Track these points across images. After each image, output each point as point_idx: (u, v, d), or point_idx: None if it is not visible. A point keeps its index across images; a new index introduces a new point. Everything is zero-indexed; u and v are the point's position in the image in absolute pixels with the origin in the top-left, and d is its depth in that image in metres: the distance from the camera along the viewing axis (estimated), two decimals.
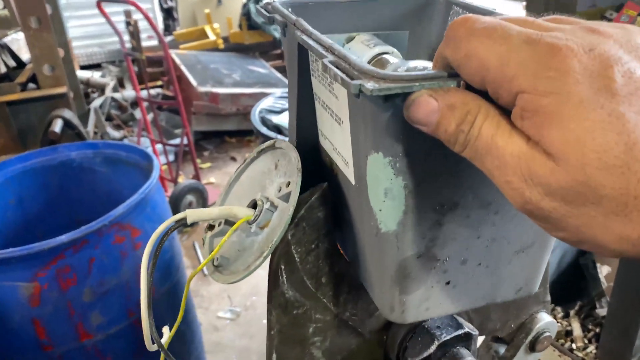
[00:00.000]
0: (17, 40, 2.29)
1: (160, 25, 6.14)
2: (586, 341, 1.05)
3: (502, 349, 0.61)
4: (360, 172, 0.40)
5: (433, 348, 0.46)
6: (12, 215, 2.02)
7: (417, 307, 0.42)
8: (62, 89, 2.07)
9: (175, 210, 3.30)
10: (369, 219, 0.40)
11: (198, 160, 4.14)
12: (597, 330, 1.07)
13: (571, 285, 0.86)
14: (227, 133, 4.83)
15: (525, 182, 0.30)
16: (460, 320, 0.49)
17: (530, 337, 0.60)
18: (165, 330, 0.59)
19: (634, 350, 0.92)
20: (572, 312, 1.13)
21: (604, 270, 1.29)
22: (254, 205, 0.53)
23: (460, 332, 0.47)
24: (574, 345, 1.05)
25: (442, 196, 0.37)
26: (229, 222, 0.58)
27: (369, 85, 0.31)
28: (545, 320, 0.59)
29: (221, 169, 4.41)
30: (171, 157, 4.19)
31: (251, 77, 4.96)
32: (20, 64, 2.26)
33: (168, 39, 5.55)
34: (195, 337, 2.02)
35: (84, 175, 2.10)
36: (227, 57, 5.42)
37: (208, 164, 4.46)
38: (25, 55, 2.29)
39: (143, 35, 4.31)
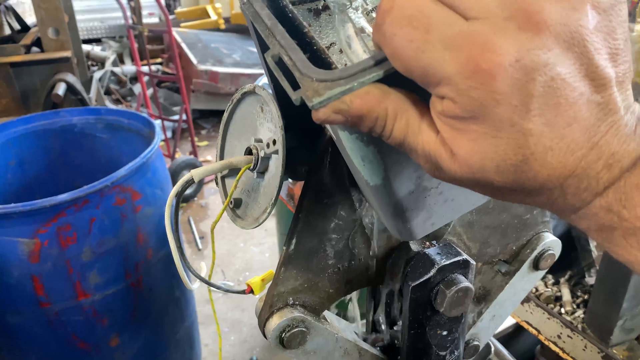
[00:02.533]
0: (23, 4, 2.28)
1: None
2: (574, 306, 1.08)
3: (504, 268, 0.64)
4: (339, 143, 0.42)
5: (432, 272, 0.49)
6: (12, 177, 2.03)
7: (423, 225, 0.45)
8: (66, 53, 2.07)
9: (174, 180, 3.31)
10: (358, 175, 0.42)
11: (195, 138, 4.15)
12: (586, 297, 1.11)
13: (562, 256, 0.89)
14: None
15: (435, 170, 0.34)
16: (459, 250, 0.51)
17: (535, 253, 0.62)
18: (202, 267, 0.62)
19: (620, 313, 0.96)
20: (562, 280, 1.17)
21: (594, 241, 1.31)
22: (249, 152, 0.55)
23: (458, 258, 0.50)
24: (562, 310, 1.08)
25: None
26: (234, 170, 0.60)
27: (310, 97, 0.32)
28: (550, 239, 0.62)
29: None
30: (169, 134, 4.19)
31: (251, 58, 4.95)
32: (25, 28, 2.25)
33: (169, 17, 5.53)
34: (190, 304, 2.05)
35: (84, 141, 2.12)
36: (227, 38, 5.41)
37: (205, 142, 4.47)
38: (29, 19, 2.28)
39: (144, 12, 4.30)
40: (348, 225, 0.51)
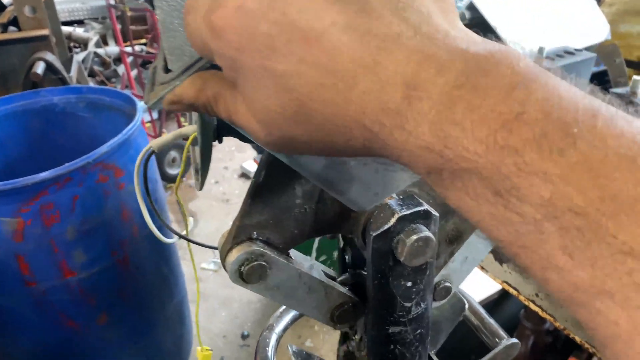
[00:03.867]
0: None
1: None
2: None
3: None
4: None
5: (393, 221, 0.49)
6: None
7: (364, 197, 0.44)
8: (43, 31, 2.04)
9: (160, 165, 3.29)
10: None
11: (182, 119, 4.12)
12: None
13: None
14: None
15: (258, 142, 0.34)
16: (421, 200, 0.51)
17: None
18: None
19: None
20: None
21: None
22: None
23: (419, 208, 0.50)
24: None
25: None
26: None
27: (150, 98, 0.39)
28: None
29: None
30: (155, 115, 4.15)
31: None
32: (1, 7, 2.21)
33: None
34: (179, 281, 2.05)
35: (66, 120, 2.09)
36: None
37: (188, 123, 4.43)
38: None
39: None
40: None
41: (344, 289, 0.59)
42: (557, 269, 0.24)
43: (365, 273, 0.61)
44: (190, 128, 0.59)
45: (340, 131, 0.29)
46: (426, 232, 0.50)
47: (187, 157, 0.73)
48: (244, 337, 2.38)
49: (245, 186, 3.61)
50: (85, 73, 3.92)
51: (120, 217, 1.64)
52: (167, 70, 0.41)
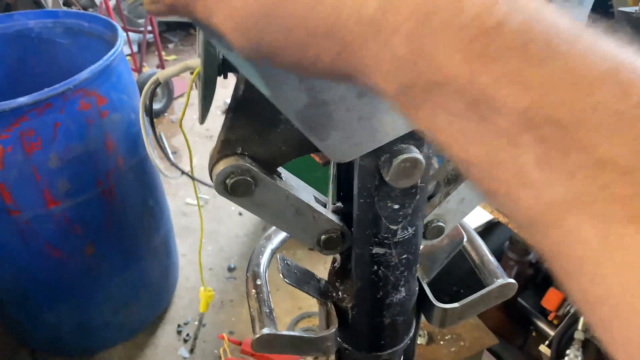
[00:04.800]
0: None
1: None
2: None
3: None
4: None
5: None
6: None
7: (344, 146, 0.43)
8: None
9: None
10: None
11: (163, 52, 3.99)
12: None
13: None
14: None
15: (232, 48, 0.33)
16: None
17: None
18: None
19: None
20: None
21: None
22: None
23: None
24: None
25: None
26: None
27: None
28: None
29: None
30: (135, 48, 4.01)
31: None
32: None
33: None
34: (164, 214, 2.04)
35: (43, 47, 2.00)
36: None
37: (173, 57, 4.31)
38: None
39: None
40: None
41: (332, 216, 0.58)
42: (531, 185, 0.23)
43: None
44: (196, 61, 0.56)
45: (311, 40, 0.28)
46: (415, 153, 0.48)
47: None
48: (230, 269, 2.41)
49: None
50: (61, 2, 3.74)
51: (105, 147, 1.60)
52: None
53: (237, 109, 0.49)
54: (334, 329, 0.63)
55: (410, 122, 0.28)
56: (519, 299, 1.73)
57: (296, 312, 2.20)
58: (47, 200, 1.54)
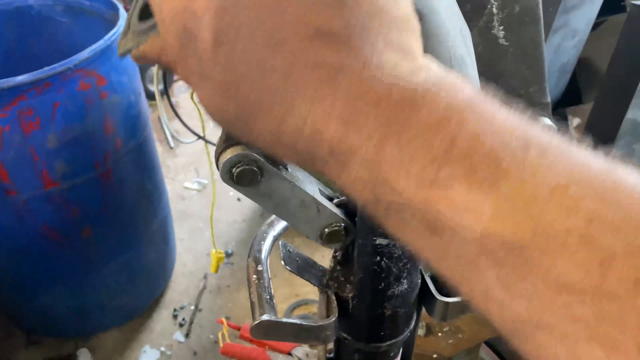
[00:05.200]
0: None
1: None
2: None
3: None
4: None
5: None
6: None
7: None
8: None
9: (142, 75, 3.18)
10: None
11: None
12: None
13: None
14: None
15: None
16: None
17: None
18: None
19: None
20: None
21: (574, 122, 1.31)
22: None
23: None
24: None
25: None
26: None
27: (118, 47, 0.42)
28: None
29: None
30: None
31: None
32: None
33: None
34: (162, 198, 2.03)
35: (43, 26, 1.97)
36: None
37: None
38: None
39: None
40: None
41: (337, 210, 0.57)
42: (497, 302, 0.24)
43: None
44: None
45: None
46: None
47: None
48: (227, 255, 2.40)
49: None
50: None
51: (104, 129, 1.58)
52: (141, 17, 0.40)
53: None
54: (333, 318, 0.62)
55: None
56: None
57: (293, 299, 2.20)
58: (45, 181, 1.52)
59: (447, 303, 0.67)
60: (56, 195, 1.56)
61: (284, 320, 0.59)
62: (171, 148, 3.11)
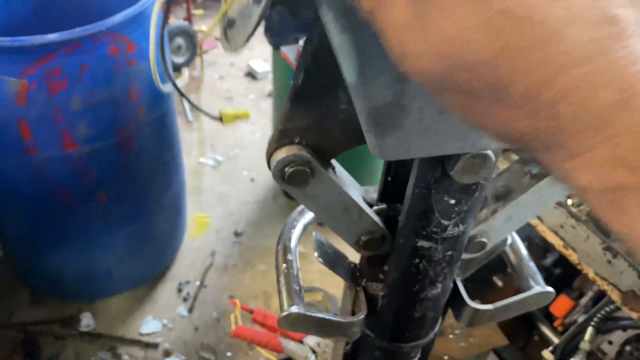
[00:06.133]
0: None
1: None
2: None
3: (536, 170, 0.59)
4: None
5: None
6: None
7: (395, 147, 0.42)
8: None
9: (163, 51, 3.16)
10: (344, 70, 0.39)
11: (191, 6, 3.92)
12: None
13: None
14: None
15: (401, 59, 0.29)
16: None
17: None
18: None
19: None
20: None
21: None
22: None
23: None
24: (569, 201, 1.07)
25: None
26: None
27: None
28: None
29: (213, 18, 4.20)
30: None
31: None
32: None
33: None
34: (179, 171, 2.02)
35: None
36: None
37: (200, 11, 4.23)
38: None
39: None
40: None
41: (377, 218, 0.57)
42: None
43: (399, 206, 0.59)
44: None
45: (522, 103, 0.25)
46: (487, 150, 0.45)
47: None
48: (237, 234, 2.39)
49: (250, 85, 3.50)
50: None
51: (128, 95, 1.57)
52: None
53: (296, 98, 0.47)
54: (362, 315, 0.61)
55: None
56: None
57: None
58: (66, 142, 1.51)
59: (477, 310, 0.66)
60: (75, 157, 1.56)
61: (314, 314, 0.58)
62: (189, 122, 3.10)
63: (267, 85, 3.48)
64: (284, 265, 0.62)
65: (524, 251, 0.71)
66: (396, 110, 0.39)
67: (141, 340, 1.93)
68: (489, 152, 0.45)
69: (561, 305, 1.62)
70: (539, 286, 0.66)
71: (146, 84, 1.62)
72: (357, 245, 0.58)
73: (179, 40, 3.41)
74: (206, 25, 4.08)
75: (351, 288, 0.65)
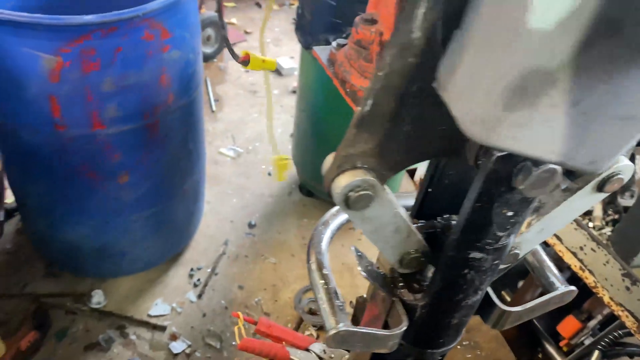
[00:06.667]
0: None
1: None
2: (604, 223, 1.07)
3: (567, 184, 0.60)
4: None
5: None
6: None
7: (506, 130, 0.39)
8: None
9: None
10: (511, 10, 0.34)
11: None
12: (616, 217, 1.10)
13: None
14: None
15: None
16: None
17: (604, 174, 0.56)
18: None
19: None
20: None
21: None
22: None
23: None
24: (590, 224, 1.07)
25: None
26: None
27: None
28: (623, 163, 0.57)
29: (244, 12, 4.23)
30: None
31: None
32: None
33: None
34: (200, 159, 2.05)
35: None
36: None
37: (232, 4, 4.27)
38: None
39: None
40: (432, 89, 0.45)
41: (422, 238, 0.58)
42: None
43: (438, 222, 0.61)
44: None
45: None
46: (554, 165, 0.45)
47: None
48: (250, 226, 2.42)
49: (275, 81, 3.52)
50: None
51: (159, 81, 1.59)
52: None
53: (361, 124, 0.48)
54: (404, 327, 0.62)
55: None
56: (533, 320, 1.70)
57: (306, 281, 2.21)
58: (94, 122, 1.54)
59: (505, 311, 0.67)
60: (102, 137, 1.59)
61: (360, 329, 0.58)
62: (213, 112, 3.12)
63: (292, 82, 3.50)
64: (322, 281, 0.63)
65: (544, 255, 0.72)
66: (554, 82, 0.35)
67: (149, 322, 1.96)
68: (558, 167, 0.46)
69: (568, 326, 1.61)
70: (563, 286, 0.68)
71: (177, 71, 1.64)
72: (399, 264, 0.59)
73: (209, 31, 3.45)
74: (236, 19, 4.11)
75: (386, 299, 0.65)
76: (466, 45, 0.39)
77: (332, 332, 0.57)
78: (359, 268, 0.61)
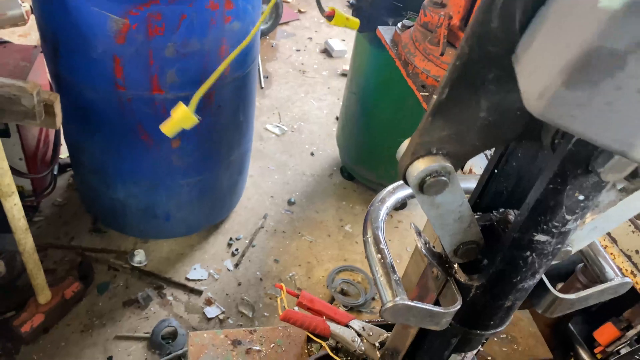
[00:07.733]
0: None
1: None
2: None
3: (623, 184, 0.59)
4: None
5: None
6: None
7: (564, 107, 0.38)
8: None
9: None
10: None
11: None
12: None
13: None
14: None
15: None
16: None
17: None
18: None
19: None
20: None
21: None
22: None
23: None
24: None
25: None
26: None
27: None
28: None
29: None
30: None
31: None
32: None
33: None
34: (249, 132, 2.08)
35: None
36: None
37: None
38: None
39: None
40: (511, 76, 0.45)
41: (479, 228, 0.58)
42: None
43: (494, 216, 0.61)
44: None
45: None
46: None
47: None
48: (290, 203, 2.45)
49: (324, 62, 3.53)
50: None
51: (218, 51, 1.62)
52: None
53: (438, 112, 0.49)
54: (459, 306, 0.62)
55: None
56: (569, 324, 1.68)
57: (340, 261, 2.24)
58: (153, 86, 1.58)
59: (557, 298, 0.67)
60: (159, 101, 1.63)
61: (418, 304, 0.59)
62: (262, 88, 3.15)
63: (341, 65, 3.50)
64: (379, 255, 0.63)
65: (600, 245, 0.72)
66: (619, 64, 0.35)
67: (187, 285, 2.02)
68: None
69: (606, 333, 1.58)
70: (619, 277, 0.68)
71: (236, 43, 1.67)
72: (453, 253, 0.59)
73: (264, 7, 3.46)
74: None
75: (440, 277, 0.66)
76: (544, 19, 0.40)
77: (389, 304, 0.57)
78: (419, 245, 0.62)
